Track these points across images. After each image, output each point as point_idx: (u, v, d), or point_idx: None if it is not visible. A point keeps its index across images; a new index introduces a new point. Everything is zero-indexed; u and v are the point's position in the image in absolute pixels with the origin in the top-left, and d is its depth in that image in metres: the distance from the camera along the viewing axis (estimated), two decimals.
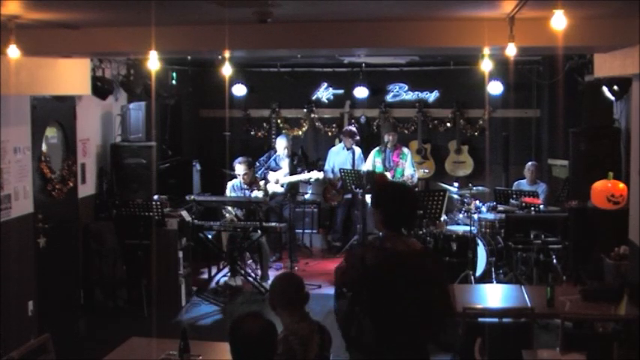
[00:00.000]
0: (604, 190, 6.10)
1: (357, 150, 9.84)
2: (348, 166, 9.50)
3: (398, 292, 3.49)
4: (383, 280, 3.51)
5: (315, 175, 9.45)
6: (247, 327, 3.24)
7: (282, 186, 9.48)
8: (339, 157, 10.05)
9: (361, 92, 10.56)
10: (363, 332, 3.54)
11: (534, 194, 8.57)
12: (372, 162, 9.46)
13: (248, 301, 8.25)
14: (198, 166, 10.20)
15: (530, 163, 9.39)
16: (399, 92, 10.92)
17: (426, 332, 3.64)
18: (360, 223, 8.98)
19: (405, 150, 9.47)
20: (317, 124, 11.10)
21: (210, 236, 8.81)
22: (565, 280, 7.78)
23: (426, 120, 10.77)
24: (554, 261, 7.69)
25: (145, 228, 7.76)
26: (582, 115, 8.15)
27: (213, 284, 8.83)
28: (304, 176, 9.54)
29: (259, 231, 8.40)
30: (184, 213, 8.32)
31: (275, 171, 9.58)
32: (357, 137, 9.95)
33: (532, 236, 7.48)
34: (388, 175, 9.20)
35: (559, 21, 4.15)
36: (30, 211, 6.80)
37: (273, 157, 9.69)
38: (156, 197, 8.14)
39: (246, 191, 8.67)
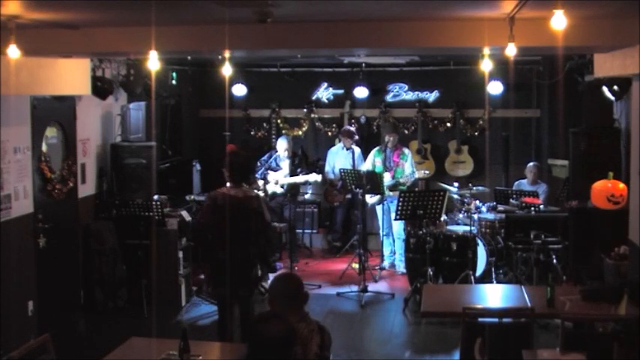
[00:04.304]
0: (604, 190, 6.09)
1: (357, 150, 9.83)
2: (348, 166, 9.48)
3: (236, 219, 5.84)
4: (228, 212, 5.79)
5: (314, 177, 9.43)
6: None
7: (281, 187, 9.48)
8: (339, 157, 10.03)
9: (361, 92, 10.56)
10: (213, 246, 5.95)
11: (534, 194, 8.57)
12: (372, 162, 9.44)
13: None
14: (198, 166, 10.19)
15: (531, 164, 9.38)
16: (399, 92, 10.91)
17: (251, 243, 5.97)
18: (360, 223, 8.97)
19: (406, 150, 9.44)
20: (317, 124, 11.09)
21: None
22: (565, 280, 7.78)
23: (426, 120, 10.77)
24: (554, 261, 7.67)
25: (145, 228, 7.77)
26: (582, 115, 8.15)
27: None
28: (302, 178, 9.52)
29: None
30: (184, 213, 8.32)
31: (275, 171, 9.57)
32: (356, 137, 9.94)
33: (532, 236, 7.45)
34: (388, 175, 9.18)
35: (559, 21, 4.14)
36: (30, 211, 6.81)
37: (273, 157, 9.68)
38: (156, 197, 8.14)
39: None
